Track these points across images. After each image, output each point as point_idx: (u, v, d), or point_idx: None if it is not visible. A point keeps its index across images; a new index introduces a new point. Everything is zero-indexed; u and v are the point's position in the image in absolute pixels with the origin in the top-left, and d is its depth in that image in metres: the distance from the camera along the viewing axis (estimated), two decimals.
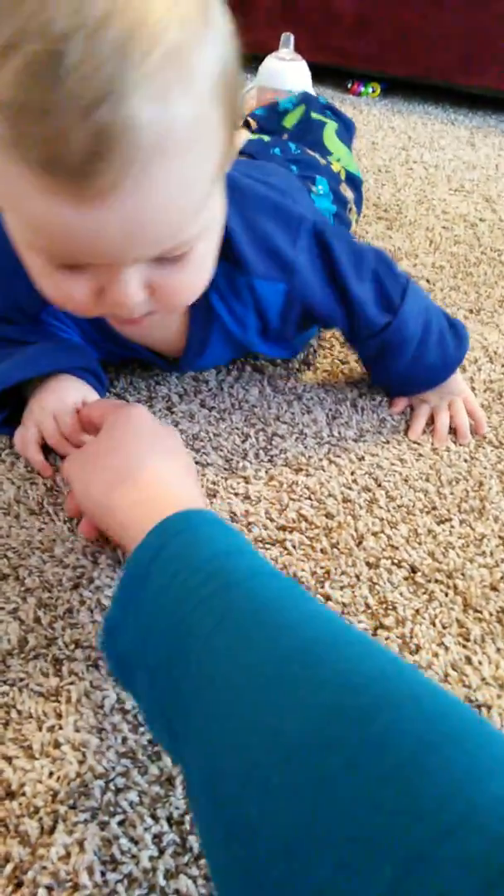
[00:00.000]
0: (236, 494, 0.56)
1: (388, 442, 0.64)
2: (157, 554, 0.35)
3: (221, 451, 0.60)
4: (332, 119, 1.02)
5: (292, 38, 1.39)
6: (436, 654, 0.46)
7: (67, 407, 0.56)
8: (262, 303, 0.58)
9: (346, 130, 1.04)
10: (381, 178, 1.27)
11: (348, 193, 0.90)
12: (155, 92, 0.32)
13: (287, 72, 1.41)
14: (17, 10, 0.31)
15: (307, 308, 0.59)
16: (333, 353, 0.75)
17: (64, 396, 0.56)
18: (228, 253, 0.53)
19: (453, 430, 0.65)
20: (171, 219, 0.38)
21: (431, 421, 0.66)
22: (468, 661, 0.46)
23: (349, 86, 1.80)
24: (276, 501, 0.56)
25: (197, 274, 0.45)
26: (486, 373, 0.74)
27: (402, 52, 1.70)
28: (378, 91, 1.80)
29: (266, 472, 0.59)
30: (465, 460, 0.62)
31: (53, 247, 0.38)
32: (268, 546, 0.52)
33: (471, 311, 0.86)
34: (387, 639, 0.47)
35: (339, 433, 0.64)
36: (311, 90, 1.43)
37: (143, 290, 0.42)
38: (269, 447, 0.61)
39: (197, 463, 0.58)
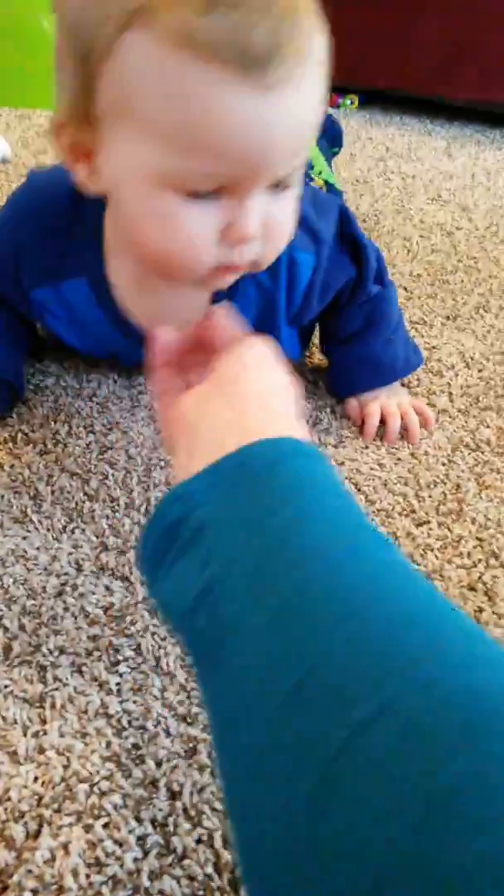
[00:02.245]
0: None
1: (366, 447, 0.65)
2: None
3: None
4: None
5: None
6: None
7: None
8: (294, 278, 0.60)
9: (328, 141, 1.06)
10: (359, 189, 1.29)
11: None
12: (315, 20, 0.38)
13: None
14: None
15: (325, 281, 0.62)
16: (314, 360, 0.76)
17: None
18: None
19: (404, 430, 0.66)
20: (305, 131, 0.42)
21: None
22: None
23: (327, 98, 1.83)
24: None
25: (292, 217, 0.47)
26: (463, 378, 0.76)
27: (379, 65, 1.73)
28: (356, 103, 1.83)
29: None
30: (443, 464, 0.64)
31: (204, 158, 0.39)
32: None
33: (448, 318, 0.88)
34: None
35: (320, 439, 0.65)
36: None
37: (261, 226, 0.43)
38: None
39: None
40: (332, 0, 0.46)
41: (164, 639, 0.46)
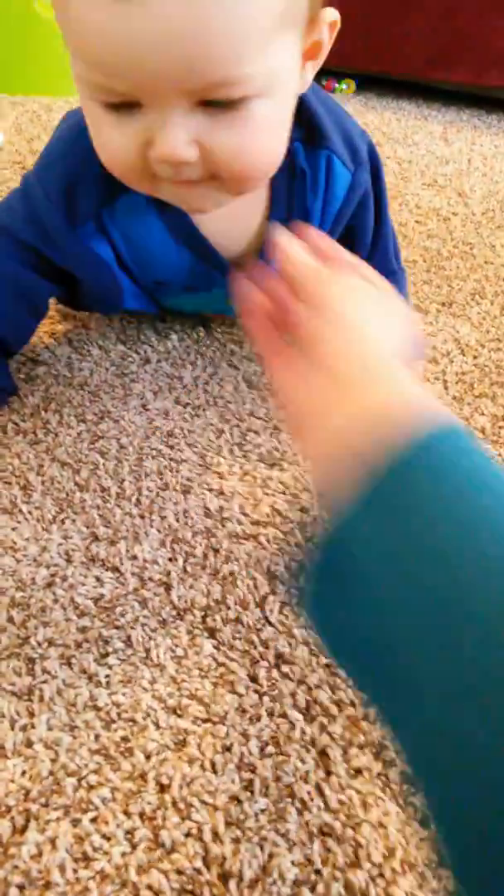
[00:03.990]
0: (210, 490, 0.56)
1: None
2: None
3: (196, 447, 0.60)
4: None
5: None
6: None
7: None
8: (332, 190, 0.56)
9: None
10: None
11: None
12: None
13: None
14: None
15: (359, 214, 0.59)
16: None
17: None
18: (308, 124, 0.51)
19: None
20: (218, 41, 0.35)
21: None
22: None
23: (322, 83, 1.81)
24: (251, 496, 0.56)
25: (256, 137, 0.41)
26: (458, 365, 0.75)
27: (375, 50, 1.70)
28: (353, 87, 1.81)
29: (240, 467, 0.59)
30: None
31: (99, 70, 0.37)
32: (242, 541, 0.53)
33: (443, 305, 0.87)
34: None
35: None
36: None
37: (193, 146, 0.40)
38: (243, 442, 0.61)
39: (171, 459, 0.58)
40: None
41: (153, 630, 0.45)
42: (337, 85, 1.79)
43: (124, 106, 0.40)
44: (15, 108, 1.48)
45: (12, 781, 0.37)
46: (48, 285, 0.58)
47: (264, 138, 0.43)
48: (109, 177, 0.46)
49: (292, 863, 0.35)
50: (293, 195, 0.55)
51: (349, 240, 0.61)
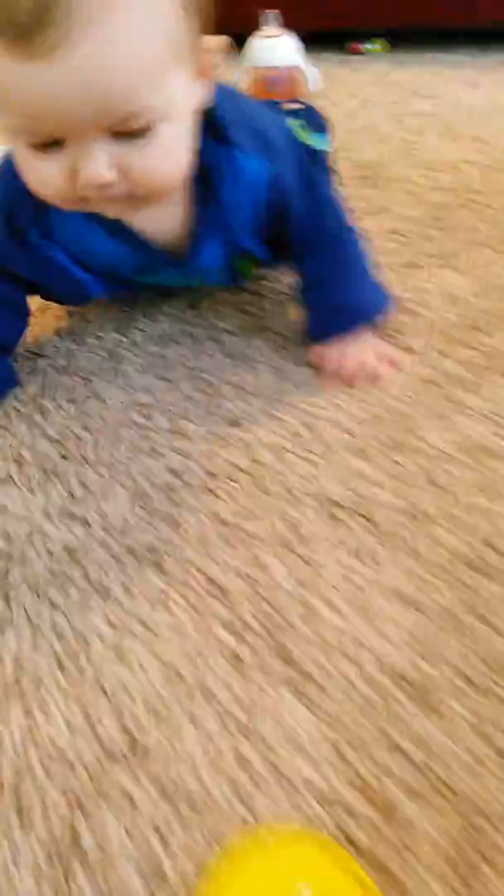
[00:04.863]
0: (175, 451, 0.64)
1: (327, 392, 0.69)
2: None
3: (168, 415, 0.68)
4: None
5: (272, 15, 1.43)
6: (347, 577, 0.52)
7: None
8: (242, 180, 0.62)
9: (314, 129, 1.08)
10: (366, 137, 1.29)
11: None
12: None
13: (277, 47, 1.45)
14: None
15: (278, 190, 0.64)
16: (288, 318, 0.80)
17: None
18: (214, 126, 0.58)
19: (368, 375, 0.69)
20: (122, 79, 0.44)
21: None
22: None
23: (347, 47, 1.81)
24: (210, 453, 0.63)
25: (165, 157, 0.51)
26: (442, 314, 0.77)
27: (398, 3, 1.68)
28: (385, 47, 1.79)
29: (207, 429, 0.66)
30: (407, 401, 0.67)
31: (20, 119, 0.46)
32: (198, 492, 0.60)
33: (432, 256, 0.88)
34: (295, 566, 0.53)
35: (282, 388, 0.70)
36: (302, 62, 1.46)
37: (112, 170, 0.48)
38: (212, 408, 0.68)
39: (145, 428, 0.66)
40: None
41: (109, 567, 0.54)
42: (363, 46, 1.78)
43: (49, 144, 0.49)
44: None
45: None
46: (21, 292, 0.68)
47: (171, 154, 0.52)
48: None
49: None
50: (206, 188, 0.62)
51: (282, 221, 0.67)
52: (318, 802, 0.40)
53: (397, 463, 0.60)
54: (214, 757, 0.42)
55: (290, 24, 1.45)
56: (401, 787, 0.40)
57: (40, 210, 0.61)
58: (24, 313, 0.72)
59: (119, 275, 0.71)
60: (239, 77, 1.41)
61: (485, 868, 0.37)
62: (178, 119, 0.51)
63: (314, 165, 0.68)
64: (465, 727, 0.42)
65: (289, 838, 0.37)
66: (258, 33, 1.43)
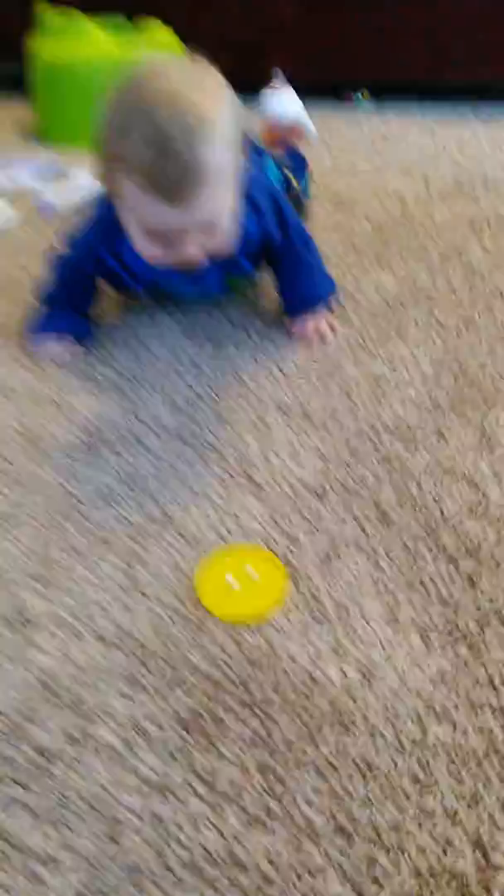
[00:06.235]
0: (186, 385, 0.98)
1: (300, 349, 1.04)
2: None
3: (164, 351, 1.03)
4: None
5: (279, 70, 1.79)
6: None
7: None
8: (248, 236, 0.96)
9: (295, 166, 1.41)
10: (341, 173, 1.64)
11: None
12: (208, 148, 0.75)
13: (283, 100, 1.81)
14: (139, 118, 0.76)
15: (265, 235, 0.99)
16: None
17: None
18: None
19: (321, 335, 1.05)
20: (216, 215, 0.82)
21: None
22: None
23: (342, 95, 2.18)
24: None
25: (225, 237, 0.86)
26: (367, 304, 1.13)
27: (378, 59, 2.07)
28: (367, 94, 2.17)
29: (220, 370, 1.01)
30: (337, 351, 1.01)
31: (152, 227, 0.82)
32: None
33: (369, 256, 1.24)
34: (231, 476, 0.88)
35: (265, 347, 1.05)
36: (303, 110, 1.82)
37: (198, 247, 0.83)
38: (220, 358, 1.03)
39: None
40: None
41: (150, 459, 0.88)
42: (355, 95, 2.16)
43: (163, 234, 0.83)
44: None
45: None
46: (91, 280, 1.07)
47: (228, 238, 0.88)
48: (115, 230, 0.90)
49: None
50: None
51: (267, 243, 1.03)
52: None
53: (325, 384, 0.95)
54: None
55: (293, 76, 1.82)
56: None
57: (116, 239, 0.96)
58: (94, 292, 1.09)
59: (158, 286, 1.08)
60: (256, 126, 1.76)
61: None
62: (232, 219, 0.86)
63: (286, 196, 1.05)
64: None
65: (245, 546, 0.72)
66: (268, 87, 1.79)
